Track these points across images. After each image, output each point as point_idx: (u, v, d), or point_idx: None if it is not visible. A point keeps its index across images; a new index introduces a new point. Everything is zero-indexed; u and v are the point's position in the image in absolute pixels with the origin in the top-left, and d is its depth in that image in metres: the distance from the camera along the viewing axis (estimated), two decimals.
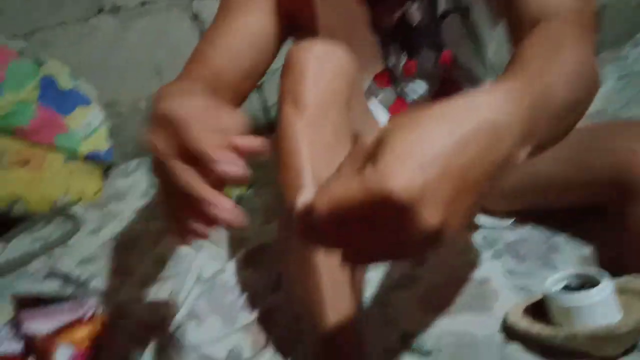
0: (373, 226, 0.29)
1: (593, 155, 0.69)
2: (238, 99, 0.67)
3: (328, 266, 0.56)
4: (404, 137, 0.28)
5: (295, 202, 0.32)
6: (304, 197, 0.32)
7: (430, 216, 0.27)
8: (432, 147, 0.28)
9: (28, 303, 0.71)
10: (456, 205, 0.28)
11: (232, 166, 0.37)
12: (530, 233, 0.80)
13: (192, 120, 0.38)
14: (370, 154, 0.29)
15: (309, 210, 0.30)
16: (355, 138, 0.34)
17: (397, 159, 0.28)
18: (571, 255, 0.73)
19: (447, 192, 0.28)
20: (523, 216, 0.82)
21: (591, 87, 0.44)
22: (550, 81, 0.37)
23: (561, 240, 0.77)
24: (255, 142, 0.39)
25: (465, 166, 0.28)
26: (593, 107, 0.44)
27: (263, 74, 0.72)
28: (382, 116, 0.86)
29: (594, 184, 0.69)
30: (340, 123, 0.62)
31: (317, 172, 0.58)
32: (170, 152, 0.38)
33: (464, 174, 0.28)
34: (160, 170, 0.39)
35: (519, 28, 0.51)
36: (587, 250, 0.73)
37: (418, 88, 0.84)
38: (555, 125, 0.38)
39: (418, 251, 0.30)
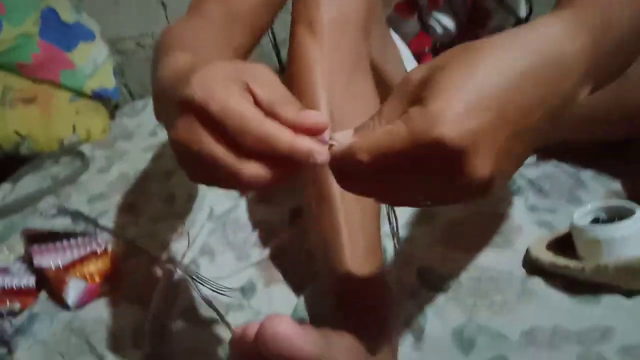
0: (418, 173, 0.27)
1: (627, 89, 0.65)
2: (255, 35, 0.62)
3: (345, 201, 0.53)
4: (455, 74, 0.25)
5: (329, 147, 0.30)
6: (340, 140, 0.29)
7: (483, 165, 0.25)
8: (488, 86, 0.25)
9: (39, 238, 0.71)
10: (510, 152, 0.26)
11: (321, 155, 0.29)
12: (553, 169, 0.76)
13: (240, 107, 0.29)
14: (416, 93, 0.27)
15: (348, 156, 0.28)
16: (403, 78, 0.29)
17: (447, 100, 0.25)
18: (598, 190, 0.69)
19: (502, 138, 0.25)
20: (545, 153, 0.79)
21: None
22: (615, 7, 0.31)
23: (587, 175, 0.73)
24: (319, 117, 0.30)
25: (524, 108, 0.25)
26: None
27: (282, 2, 0.65)
28: (402, 50, 0.81)
29: (628, 118, 0.65)
30: (358, 48, 0.58)
31: (333, 100, 0.54)
32: (210, 143, 0.30)
33: (523, 118, 0.25)
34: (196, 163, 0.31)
35: None
36: (616, 184, 0.69)
37: (444, 21, 0.78)
38: (620, 57, 0.33)
39: (465, 200, 0.28)
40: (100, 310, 0.63)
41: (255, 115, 0.29)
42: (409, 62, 0.81)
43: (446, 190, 0.27)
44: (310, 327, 0.38)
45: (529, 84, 0.25)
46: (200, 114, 0.29)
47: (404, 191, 0.29)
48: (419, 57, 0.84)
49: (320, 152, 0.29)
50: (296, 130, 0.29)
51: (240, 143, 0.29)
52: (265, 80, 0.31)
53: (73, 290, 0.62)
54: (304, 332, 0.34)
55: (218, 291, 0.62)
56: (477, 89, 0.25)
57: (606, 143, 0.75)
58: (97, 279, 0.64)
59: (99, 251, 0.67)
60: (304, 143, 0.29)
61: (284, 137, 0.29)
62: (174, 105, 0.31)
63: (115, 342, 0.58)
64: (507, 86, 0.25)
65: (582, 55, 0.27)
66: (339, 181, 0.31)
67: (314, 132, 0.29)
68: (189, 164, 0.32)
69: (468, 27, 0.76)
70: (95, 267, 0.65)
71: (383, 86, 0.71)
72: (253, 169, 0.29)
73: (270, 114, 0.30)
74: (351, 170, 0.29)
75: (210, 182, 0.33)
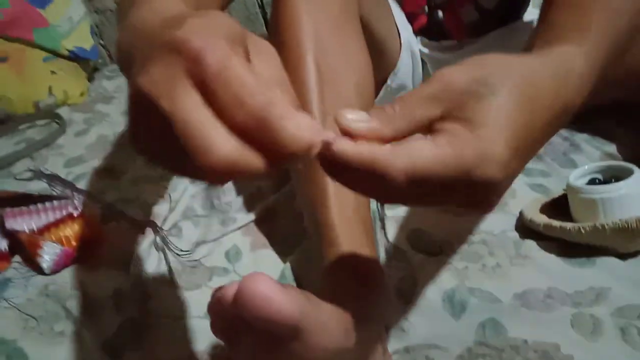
0: (446, 194, 0.28)
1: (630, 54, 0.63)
2: None
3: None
4: (513, 113, 0.27)
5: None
6: (353, 126, 0.27)
7: (506, 187, 0.28)
8: (539, 135, 0.28)
9: (12, 201, 0.67)
10: (527, 161, 0.29)
11: (339, 144, 0.26)
12: None
13: (242, 71, 0.22)
14: (456, 103, 0.27)
15: (378, 169, 0.26)
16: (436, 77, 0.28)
17: (503, 141, 0.26)
18: (593, 153, 0.68)
19: (528, 159, 0.29)
20: None
21: None
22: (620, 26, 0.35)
23: (582, 138, 0.71)
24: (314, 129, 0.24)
25: (546, 133, 0.29)
26: None
27: None
28: (394, 11, 0.77)
29: (629, 78, 0.63)
30: (348, 3, 0.55)
31: (320, 54, 0.51)
32: (188, 102, 0.23)
33: (543, 140, 0.29)
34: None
35: None
36: (611, 147, 0.68)
37: None
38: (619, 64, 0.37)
39: (485, 206, 0.30)
40: (78, 275, 0.60)
41: (259, 87, 0.22)
42: (402, 25, 0.78)
43: (461, 204, 0.29)
44: (293, 288, 0.35)
45: (550, 114, 0.29)
46: (190, 64, 0.22)
47: (419, 202, 0.29)
48: (412, 17, 0.80)
49: (339, 143, 0.26)
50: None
51: (229, 116, 0.22)
52: (269, 58, 0.26)
53: (48, 254, 0.59)
54: (285, 292, 0.31)
55: (184, 262, 0.60)
56: (531, 137, 0.27)
57: (600, 105, 0.73)
58: (74, 243, 0.61)
59: (75, 214, 0.64)
60: (313, 132, 0.23)
61: (290, 121, 0.22)
62: (156, 47, 0.23)
63: (94, 308, 0.56)
64: (548, 134, 0.30)
65: (587, 81, 0.32)
66: (345, 182, 0.28)
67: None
68: (145, 127, 0.24)
69: None
70: (71, 231, 0.62)
71: (373, 46, 0.67)
72: (234, 149, 0.22)
73: None
74: (372, 179, 0.26)
75: (166, 161, 0.26)
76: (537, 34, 0.36)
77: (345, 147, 0.26)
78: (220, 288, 0.33)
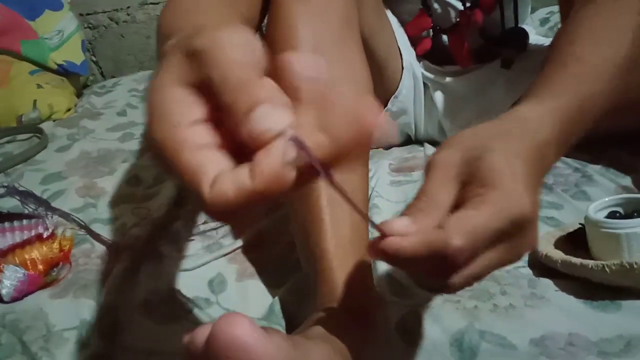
0: (498, 242, 0.30)
1: None
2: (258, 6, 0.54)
3: (328, 188, 0.45)
4: (513, 163, 0.31)
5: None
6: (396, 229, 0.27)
7: (537, 215, 0.32)
8: (531, 170, 0.31)
9: None
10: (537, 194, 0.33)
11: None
12: (557, 162, 0.71)
13: (257, 87, 0.21)
14: (465, 173, 0.31)
15: (439, 248, 0.27)
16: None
17: (517, 183, 0.30)
18: (608, 186, 0.63)
19: (537, 192, 0.32)
20: None
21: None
22: (592, 90, 0.40)
23: (595, 169, 0.67)
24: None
25: (537, 168, 0.33)
26: None
27: None
28: (397, 33, 0.74)
29: None
30: (348, 13, 0.52)
31: None
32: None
33: (538, 174, 0.33)
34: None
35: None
36: (625, 179, 0.64)
37: (446, 2, 0.72)
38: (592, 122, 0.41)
39: (531, 244, 0.32)
40: (41, 303, 0.54)
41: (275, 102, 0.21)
42: (405, 48, 0.75)
43: (511, 253, 0.31)
44: (277, 333, 0.30)
45: (543, 160, 0.34)
46: (200, 66, 0.22)
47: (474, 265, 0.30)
48: (415, 42, 0.77)
49: (390, 243, 0.27)
50: None
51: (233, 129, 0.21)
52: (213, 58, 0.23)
53: (9, 279, 0.52)
54: (267, 338, 0.26)
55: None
56: (529, 172, 0.31)
57: (612, 135, 0.70)
58: (41, 267, 0.55)
59: (45, 235, 0.58)
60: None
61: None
62: (172, 57, 0.23)
63: (55, 340, 0.49)
64: (537, 168, 0.33)
65: (557, 139, 0.36)
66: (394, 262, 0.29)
67: None
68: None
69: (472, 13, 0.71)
70: (39, 253, 0.56)
71: (374, 67, 0.64)
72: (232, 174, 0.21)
73: None
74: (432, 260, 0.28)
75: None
76: (529, 89, 0.41)
77: (398, 244, 0.27)
78: (193, 330, 0.27)
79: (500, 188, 0.29)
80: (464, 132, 0.33)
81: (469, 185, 0.30)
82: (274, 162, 0.20)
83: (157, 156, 0.23)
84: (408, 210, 0.30)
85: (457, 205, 0.30)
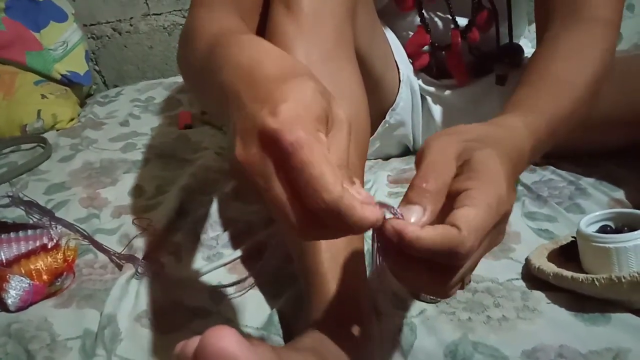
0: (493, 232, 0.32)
1: (635, 92, 0.63)
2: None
3: None
4: (500, 167, 0.32)
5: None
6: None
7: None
8: (511, 174, 0.34)
9: None
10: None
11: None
12: (551, 175, 0.72)
13: (323, 167, 0.26)
14: (464, 154, 0.32)
15: (453, 245, 0.29)
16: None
17: (498, 174, 0.32)
18: (601, 199, 0.64)
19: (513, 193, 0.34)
20: (542, 158, 0.74)
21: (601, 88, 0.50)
22: (563, 106, 0.45)
23: (588, 182, 0.69)
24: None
25: (515, 171, 0.36)
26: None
27: None
28: (395, 48, 0.75)
29: (636, 122, 0.63)
30: (341, 30, 0.53)
31: None
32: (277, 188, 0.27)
33: (513, 177, 0.35)
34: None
35: (548, 17, 0.55)
36: (619, 193, 0.65)
37: (445, 19, 0.74)
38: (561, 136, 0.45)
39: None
40: (45, 313, 0.55)
41: (334, 182, 0.26)
42: (402, 61, 0.76)
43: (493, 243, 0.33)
44: (264, 345, 0.31)
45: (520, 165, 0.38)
46: (278, 156, 0.27)
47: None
48: (413, 57, 0.78)
49: (411, 230, 0.29)
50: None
51: (308, 201, 0.26)
52: (338, 132, 0.29)
53: (14, 289, 0.54)
54: (253, 351, 0.27)
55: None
56: (511, 174, 0.33)
57: (607, 149, 0.71)
58: (45, 277, 0.57)
59: (50, 245, 0.60)
60: (375, 215, 0.27)
61: (358, 212, 0.26)
62: (249, 126, 0.27)
63: (60, 350, 0.50)
64: (517, 171, 0.37)
65: (531, 148, 0.39)
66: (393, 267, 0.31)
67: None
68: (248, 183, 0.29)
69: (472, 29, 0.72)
70: (43, 264, 0.57)
71: (371, 81, 0.65)
72: (311, 230, 0.27)
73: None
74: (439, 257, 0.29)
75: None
76: (507, 103, 0.45)
77: (418, 234, 0.28)
78: (183, 343, 0.28)
79: (493, 185, 0.31)
80: (460, 125, 0.35)
81: (459, 175, 0.32)
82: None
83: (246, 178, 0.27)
84: (412, 192, 0.30)
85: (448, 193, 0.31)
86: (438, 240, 0.28)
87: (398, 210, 0.29)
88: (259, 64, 0.30)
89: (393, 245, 0.29)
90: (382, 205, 0.29)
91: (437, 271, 0.30)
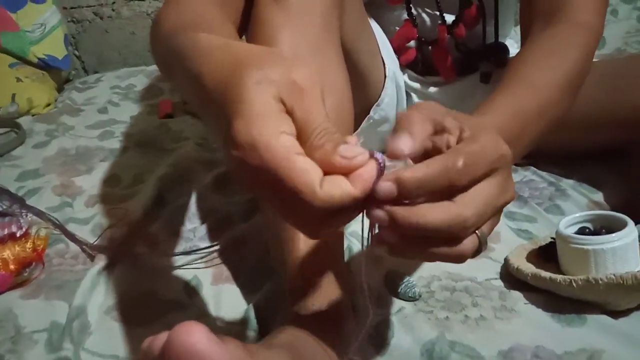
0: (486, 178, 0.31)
1: (618, 94, 0.63)
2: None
3: None
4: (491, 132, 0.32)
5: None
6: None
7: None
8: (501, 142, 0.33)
9: None
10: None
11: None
12: (532, 176, 0.72)
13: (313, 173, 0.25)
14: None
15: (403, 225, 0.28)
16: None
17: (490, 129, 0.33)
18: (581, 200, 0.65)
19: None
20: (523, 159, 0.74)
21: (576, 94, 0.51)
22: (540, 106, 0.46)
23: (568, 184, 0.69)
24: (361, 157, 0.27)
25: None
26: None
27: None
28: (381, 42, 0.75)
29: (618, 124, 0.63)
30: (328, 20, 0.52)
31: None
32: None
33: None
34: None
35: (532, 19, 0.56)
36: (599, 195, 0.65)
37: (433, 14, 0.73)
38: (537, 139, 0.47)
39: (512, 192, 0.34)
40: (11, 304, 0.53)
41: (308, 185, 0.25)
42: (388, 56, 0.75)
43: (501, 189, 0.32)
44: (232, 341, 0.30)
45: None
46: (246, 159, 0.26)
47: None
48: (399, 52, 0.78)
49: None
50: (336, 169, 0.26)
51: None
52: (312, 102, 0.28)
53: None
54: (221, 347, 0.26)
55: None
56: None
57: (591, 150, 0.72)
58: (12, 267, 0.55)
59: (18, 234, 0.58)
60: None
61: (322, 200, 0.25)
62: (224, 131, 0.27)
63: (24, 342, 0.49)
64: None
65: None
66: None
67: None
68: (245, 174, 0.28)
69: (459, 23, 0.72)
70: (10, 253, 0.55)
71: (356, 76, 0.64)
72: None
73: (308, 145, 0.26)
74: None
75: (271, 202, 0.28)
76: (483, 102, 0.45)
77: (412, 172, 0.28)
78: (150, 339, 0.27)
79: (486, 130, 0.31)
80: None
81: (449, 135, 0.31)
82: (372, 173, 0.26)
83: (243, 163, 0.25)
84: (399, 125, 0.30)
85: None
86: (436, 172, 0.28)
87: (383, 155, 0.28)
88: (211, 80, 0.29)
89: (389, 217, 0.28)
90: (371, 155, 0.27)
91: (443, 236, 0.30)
